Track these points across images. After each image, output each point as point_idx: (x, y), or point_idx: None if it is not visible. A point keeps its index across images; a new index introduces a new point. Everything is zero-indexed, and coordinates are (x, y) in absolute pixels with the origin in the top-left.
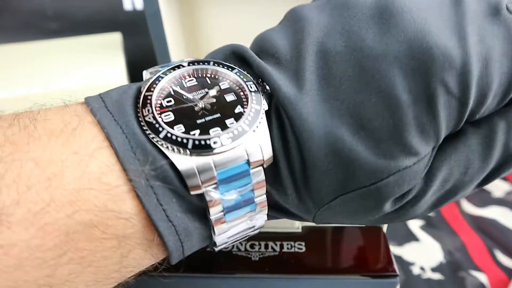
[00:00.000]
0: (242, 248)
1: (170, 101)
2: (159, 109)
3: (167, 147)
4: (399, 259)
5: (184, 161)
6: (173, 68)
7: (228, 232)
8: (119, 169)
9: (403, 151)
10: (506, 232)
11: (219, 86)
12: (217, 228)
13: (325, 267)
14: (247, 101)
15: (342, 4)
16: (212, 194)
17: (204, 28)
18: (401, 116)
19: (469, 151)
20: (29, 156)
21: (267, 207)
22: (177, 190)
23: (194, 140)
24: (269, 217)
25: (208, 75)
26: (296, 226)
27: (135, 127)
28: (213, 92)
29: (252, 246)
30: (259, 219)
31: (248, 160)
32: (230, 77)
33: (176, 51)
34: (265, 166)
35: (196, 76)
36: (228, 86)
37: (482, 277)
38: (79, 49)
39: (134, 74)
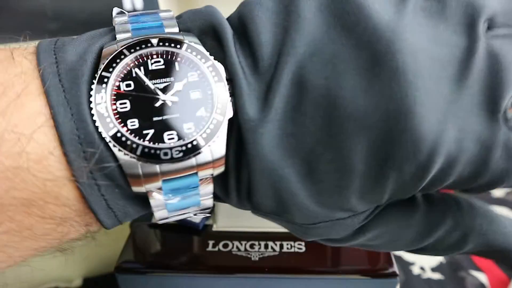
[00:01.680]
0: (242, 248)
1: (130, 85)
2: (115, 94)
3: (115, 146)
4: (399, 259)
5: (130, 164)
6: (140, 44)
7: (168, 219)
8: (61, 154)
9: (340, 207)
10: None
11: (187, 78)
12: (157, 216)
13: (325, 267)
14: (212, 105)
15: (344, 15)
16: (155, 195)
17: None
18: (349, 182)
19: (407, 230)
20: None
21: (212, 202)
22: (121, 185)
23: (144, 147)
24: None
25: (179, 60)
26: None
27: (86, 112)
28: (178, 86)
29: (252, 246)
30: (202, 213)
31: (197, 170)
32: (201, 69)
33: None
34: (214, 174)
35: (164, 57)
36: (197, 80)
37: (482, 277)
38: None
39: None
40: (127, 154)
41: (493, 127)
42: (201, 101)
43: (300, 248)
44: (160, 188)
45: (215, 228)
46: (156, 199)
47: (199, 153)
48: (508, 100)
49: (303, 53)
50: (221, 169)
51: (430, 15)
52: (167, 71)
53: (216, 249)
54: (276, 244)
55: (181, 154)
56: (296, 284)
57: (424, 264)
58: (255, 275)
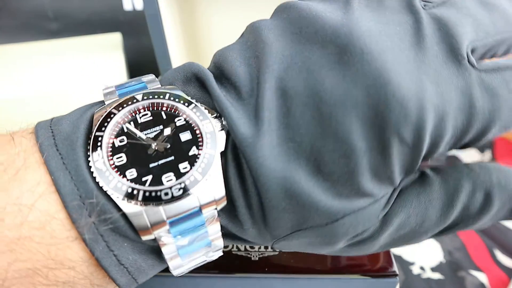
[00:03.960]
0: (242, 248)
1: (123, 140)
2: (111, 150)
3: (117, 197)
4: (399, 258)
5: (134, 212)
6: (126, 102)
7: (184, 267)
8: (64, 216)
9: (358, 193)
10: (506, 232)
11: (175, 124)
12: (171, 265)
13: (325, 267)
14: (202, 142)
15: (302, 30)
16: (164, 239)
17: (204, 28)
18: (356, 163)
19: (430, 205)
20: None
21: (222, 242)
22: (129, 236)
23: (144, 191)
24: (227, 241)
25: (164, 109)
26: None
27: (85, 172)
28: (167, 131)
29: (252, 246)
30: (215, 255)
31: (200, 207)
32: (186, 113)
33: (176, 51)
34: (218, 208)
35: (151, 109)
36: (184, 123)
37: (482, 276)
38: (79, 49)
39: (134, 75)
40: (130, 202)
41: (464, 73)
42: (192, 141)
43: None
44: (168, 231)
45: None
46: (167, 244)
47: (198, 187)
48: (467, 47)
49: (277, 69)
50: (223, 202)
51: (373, 9)
52: (155, 121)
53: None
54: None
55: (181, 192)
56: (296, 284)
57: (424, 263)
58: (255, 275)
